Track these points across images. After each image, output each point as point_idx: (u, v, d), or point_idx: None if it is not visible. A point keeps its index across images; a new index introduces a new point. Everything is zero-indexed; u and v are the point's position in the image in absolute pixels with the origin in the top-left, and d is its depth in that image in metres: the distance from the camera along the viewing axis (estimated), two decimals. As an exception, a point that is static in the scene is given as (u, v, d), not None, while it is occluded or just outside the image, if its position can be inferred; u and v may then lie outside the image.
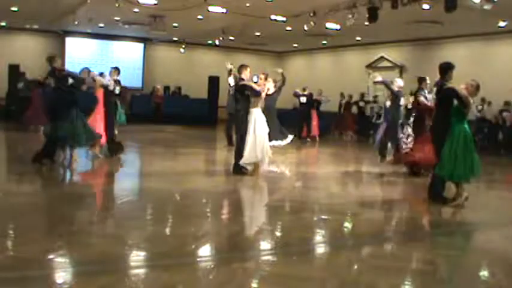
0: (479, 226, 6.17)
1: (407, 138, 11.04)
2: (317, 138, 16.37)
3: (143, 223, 5.62)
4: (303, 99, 16.41)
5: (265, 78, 8.77)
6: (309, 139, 15.99)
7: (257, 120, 8.51)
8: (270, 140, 10.64)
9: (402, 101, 10.77)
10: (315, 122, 16.50)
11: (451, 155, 6.52)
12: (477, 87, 6.66)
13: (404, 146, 10.66)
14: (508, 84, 14.27)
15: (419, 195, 7.36)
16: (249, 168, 8.58)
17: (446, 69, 6.91)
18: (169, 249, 4.58)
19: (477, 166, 6.61)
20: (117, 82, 11.16)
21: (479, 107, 15.00)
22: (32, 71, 19.44)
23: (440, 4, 10.95)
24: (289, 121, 18.02)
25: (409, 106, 11.15)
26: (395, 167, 10.10)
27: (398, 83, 11.05)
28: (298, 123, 16.48)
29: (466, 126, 6.65)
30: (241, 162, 8.49)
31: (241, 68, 8.83)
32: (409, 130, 11.14)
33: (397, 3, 11.45)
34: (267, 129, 8.63)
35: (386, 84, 10.87)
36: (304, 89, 16.55)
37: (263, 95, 8.64)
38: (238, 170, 8.54)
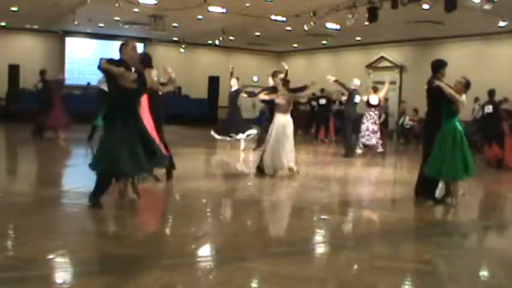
0: (479, 226, 6.18)
1: (369, 133, 12.09)
2: (333, 139, 16.39)
3: (143, 223, 5.62)
4: (322, 101, 16.34)
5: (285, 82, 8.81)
6: (326, 140, 15.96)
7: (276, 126, 8.49)
8: (237, 133, 12.21)
9: (357, 99, 12.00)
10: (332, 124, 16.49)
11: (440, 153, 6.51)
12: (466, 85, 6.59)
13: (363, 140, 12.13)
14: (508, 84, 14.26)
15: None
16: (269, 172, 8.59)
17: (438, 66, 6.82)
18: (169, 249, 4.58)
19: (471, 164, 6.59)
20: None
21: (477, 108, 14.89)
22: (33, 71, 19.52)
23: (440, 4, 10.96)
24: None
25: (374, 102, 11.85)
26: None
27: (355, 82, 12.08)
28: (316, 125, 16.48)
29: (457, 123, 6.62)
30: (261, 164, 8.65)
31: (274, 73, 8.95)
32: (372, 126, 11.80)
33: (397, 3, 11.46)
34: (288, 136, 8.51)
35: (341, 84, 11.88)
36: (322, 90, 16.49)
37: (278, 101, 8.59)
38: (261, 171, 8.67)
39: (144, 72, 6.00)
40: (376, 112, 12.38)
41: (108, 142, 5.65)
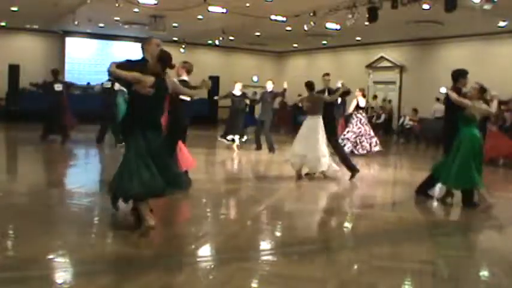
0: (479, 226, 6.18)
1: (350, 138, 12.32)
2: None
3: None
4: None
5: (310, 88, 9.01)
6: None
7: (303, 127, 8.71)
8: (234, 134, 12.48)
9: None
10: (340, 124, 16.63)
11: (454, 161, 6.48)
12: (480, 90, 6.56)
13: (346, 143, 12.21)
14: (509, 84, 14.27)
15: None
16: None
17: (457, 76, 6.89)
18: (169, 249, 4.59)
19: (474, 176, 6.46)
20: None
21: None
22: (33, 71, 19.51)
23: (440, 4, 10.95)
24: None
25: (362, 104, 12.02)
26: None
27: (338, 84, 12.12)
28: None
29: (475, 131, 6.53)
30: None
31: (324, 75, 9.06)
32: (358, 128, 11.94)
33: (397, 3, 11.45)
34: (308, 137, 8.55)
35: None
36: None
37: (301, 104, 9.04)
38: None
39: (165, 74, 5.19)
40: (364, 114, 12.52)
41: (132, 161, 4.88)
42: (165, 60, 5.09)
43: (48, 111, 12.42)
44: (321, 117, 8.58)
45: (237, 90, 12.89)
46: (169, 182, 4.98)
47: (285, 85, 12.23)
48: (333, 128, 9.02)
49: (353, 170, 8.76)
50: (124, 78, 4.95)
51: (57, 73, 12.94)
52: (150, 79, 4.90)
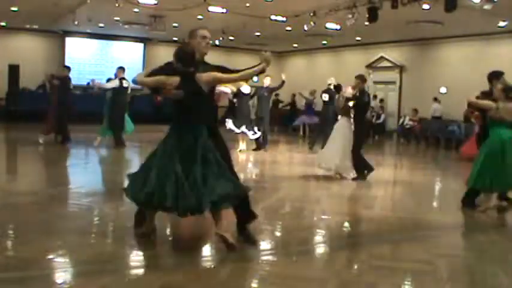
0: (480, 226, 6.18)
1: None
2: None
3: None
4: (325, 97, 16.33)
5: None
6: None
7: (336, 129, 9.05)
8: (240, 126, 12.14)
9: (325, 97, 12.66)
10: None
11: (486, 164, 6.33)
12: (503, 90, 6.40)
13: None
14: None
15: (419, 196, 7.38)
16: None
17: (490, 79, 6.86)
18: (169, 249, 4.59)
19: (488, 179, 6.32)
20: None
21: None
22: (33, 71, 19.51)
23: (440, 4, 10.96)
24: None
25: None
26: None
27: (328, 81, 12.74)
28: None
29: (502, 132, 6.32)
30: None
31: (358, 78, 8.98)
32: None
33: (397, 3, 11.45)
34: (335, 137, 8.96)
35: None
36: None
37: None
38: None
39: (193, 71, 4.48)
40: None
41: (146, 167, 4.48)
42: (182, 58, 4.43)
43: (55, 109, 12.14)
44: (346, 119, 8.95)
45: (244, 88, 12.61)
46: (198, 199, 4.20)
47: (283, 77, 12.23)
48: (359, 137, 8.86)
49: (361, 176, 8.83)
50: (147, 85, 4.64)
51: (70, 70, 12.85)
52: (174, 79, 4.41)
